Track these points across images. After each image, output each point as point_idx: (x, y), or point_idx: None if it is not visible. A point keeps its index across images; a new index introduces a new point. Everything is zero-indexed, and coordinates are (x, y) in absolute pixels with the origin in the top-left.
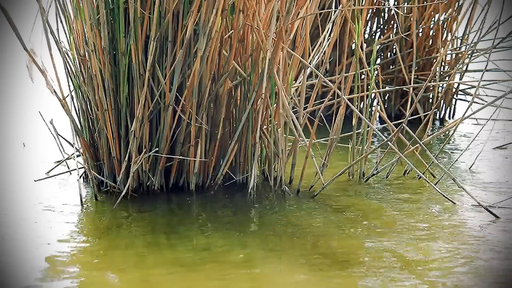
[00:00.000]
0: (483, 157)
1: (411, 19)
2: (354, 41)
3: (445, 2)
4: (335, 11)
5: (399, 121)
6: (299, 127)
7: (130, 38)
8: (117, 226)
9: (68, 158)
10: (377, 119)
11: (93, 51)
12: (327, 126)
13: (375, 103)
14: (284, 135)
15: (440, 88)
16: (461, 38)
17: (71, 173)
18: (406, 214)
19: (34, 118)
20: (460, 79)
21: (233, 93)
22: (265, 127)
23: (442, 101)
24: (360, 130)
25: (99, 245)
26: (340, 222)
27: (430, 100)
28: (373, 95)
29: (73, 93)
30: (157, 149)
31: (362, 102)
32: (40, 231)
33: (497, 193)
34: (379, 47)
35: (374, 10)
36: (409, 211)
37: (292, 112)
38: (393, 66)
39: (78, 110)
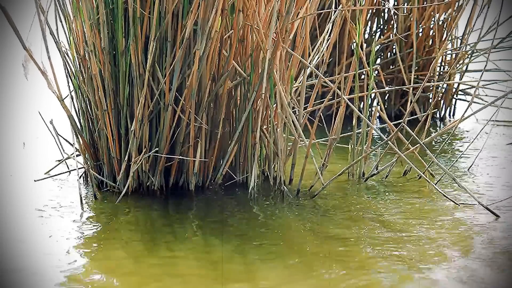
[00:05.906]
0: (483, 157)
1: (411, 19)
2: (354, 41)
3: (445, 2)
4: (334, 11)
5: (399, 121)
6: (299, 127)
7: (130, 38)
8: (117, 226)
9: (68, 158)
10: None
11: (93, 51)
12: (327, 126)
13: (375, 103)
14: (284, 135)
15: (440, 88)
16: (461, 38)
17: (70, 173)
18: (406, 213)
19: (34, 118)
20: (460, 79)
21: (233, 93)
22: (265, 127)
23: (442, 101)
24: (360, 130)
25: (99, 245)
26: (340, 222)
27: (430, 100)
28: (372, 95)
29: (73, 93)
30: (157, 149)
31: (362, 102)
32: (39, 231)
33: (497, 193)
34: (379, 47)
35: (374, 10)
36: (409, 211)
37: (292, 112)
38: (393, 66)
39: (78, 110)
